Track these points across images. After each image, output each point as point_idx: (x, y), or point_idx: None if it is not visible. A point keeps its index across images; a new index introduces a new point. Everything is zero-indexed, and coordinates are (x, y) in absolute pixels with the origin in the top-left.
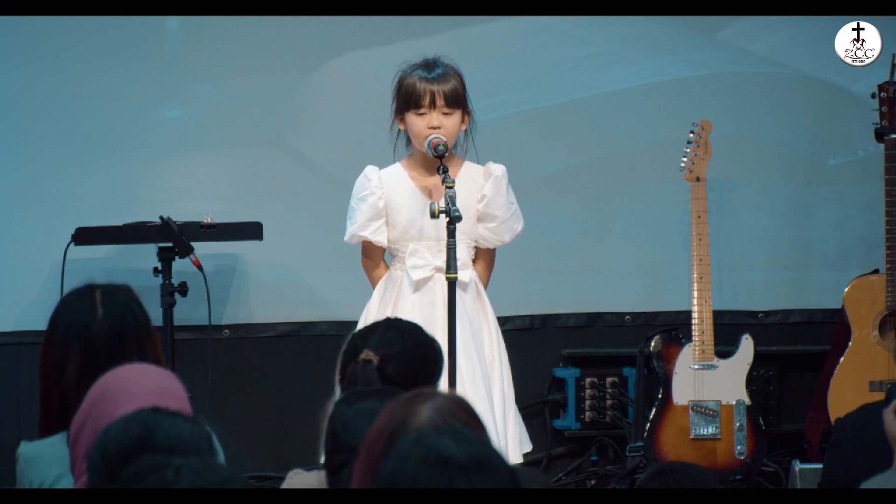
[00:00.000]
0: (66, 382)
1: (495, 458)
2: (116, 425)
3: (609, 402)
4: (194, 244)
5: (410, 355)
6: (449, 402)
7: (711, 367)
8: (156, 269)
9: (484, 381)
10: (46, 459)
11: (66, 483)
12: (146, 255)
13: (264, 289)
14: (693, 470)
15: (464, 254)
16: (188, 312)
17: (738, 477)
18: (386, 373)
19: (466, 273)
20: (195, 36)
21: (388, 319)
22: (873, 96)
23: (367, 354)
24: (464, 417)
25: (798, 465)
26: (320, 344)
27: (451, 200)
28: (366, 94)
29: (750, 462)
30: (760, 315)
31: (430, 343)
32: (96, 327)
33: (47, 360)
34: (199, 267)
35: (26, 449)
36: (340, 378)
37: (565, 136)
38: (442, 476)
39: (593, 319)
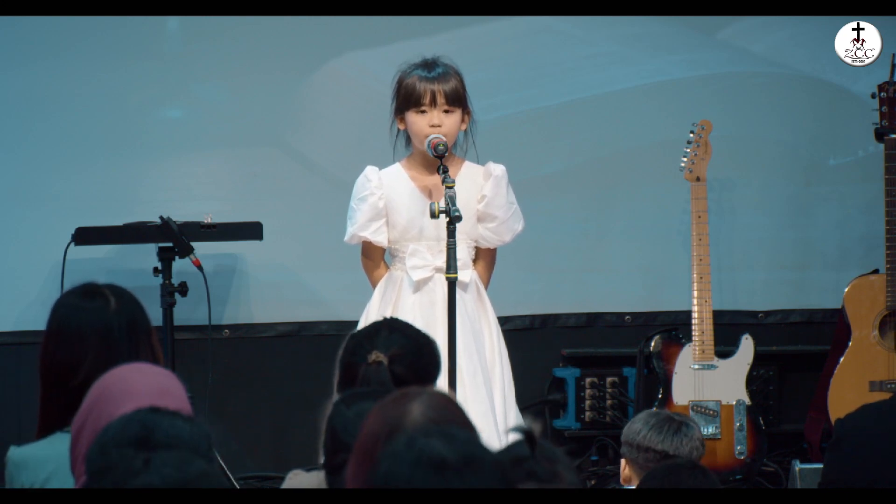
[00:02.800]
0: (84, 377)
1: (487, 456)
2: (115, 425)
3: (609, 402)
4: (194, 244)
5: (415, 355)
6: (438, 398)
7: (711, 367)
8: (156, 269)
9: (485, 382)
10: (35, 461)
11: (56, 484)
12: (146, 255)
13: (264, 289)
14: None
15: (464, 254)
16: (188, 312)
17: (738, 477)
18: (395, 373)
19: (467, 273)
20: (195, 36)
21: (387, 320)
22: (873, 96)
23: (377, 356)
24: (454, 411)
25: (798, 465)
26: (320, 344)
27: (452, 200)
28: (366, 94)
29: (750, 462)
30: (760, 315)
31: (430, 342)
32: (115, 319)
33: (56, 360)
34: (199, 267)
35: (15, 454)
36: (346, 380)
37: (565, 136)
38: (436, 478)
39: (593, 319)
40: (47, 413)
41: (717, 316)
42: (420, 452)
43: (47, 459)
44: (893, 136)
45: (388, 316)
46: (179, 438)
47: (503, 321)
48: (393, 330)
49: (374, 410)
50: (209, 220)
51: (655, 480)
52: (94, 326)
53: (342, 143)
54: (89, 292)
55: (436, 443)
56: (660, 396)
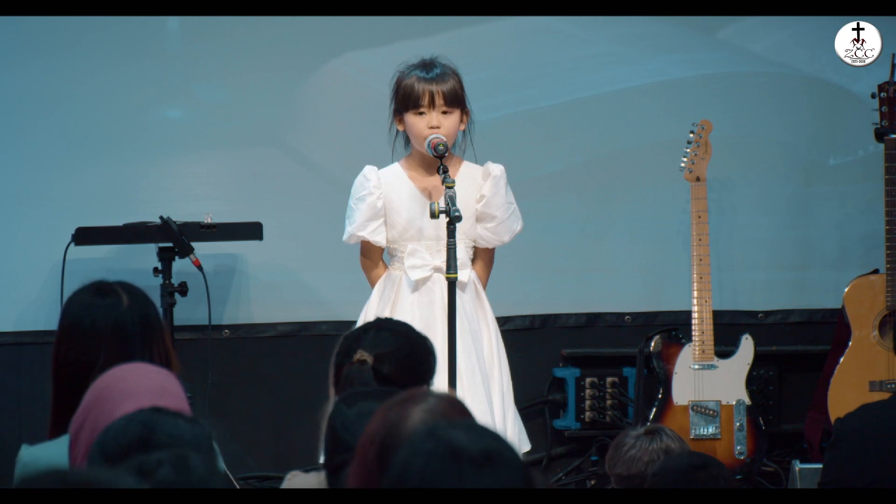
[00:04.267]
0: (98, 375)
1: (507, 453)
2: (117, 425)
3: (609, 402)
4: (194, 244)
5: (404, 354)
6: (441, 403)
7: (711, 367)
8: (156, 269)
9: (483, 382)
10: (46, 465)
11: None
12: (146, 255)
13: (264, 289)
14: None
15: (462, 254)
16: (188, 312)
17: (738, 477)
18: (381, 372)
19: (465, 273)
20: (195, 36)
21: (378, 320)
22: (873, 96)
23: (361, 355)
24: (457, 418)
25: (798, 465)
26: (320, 344)
27: (451, 200)
28: (366, 94)
29: (750, 462)
30: (760, 315)
31: (423, 341)
32: (128, 316)
33: (69, 358)
34: (199, 267)
35: (26, 454)
36: (335, 380)
37: (565, 136)
38: (452, 468)
39: (593, 319)
40: (60, 412)
41: (717, 316)
42: (439, 441)
43: (57, 463)
44: (893, 136)
45: (385, 316)
46: (181, 439)
47: (503, 321)
48: (381, 329)
49: (378, 412)
50: (209, 220)
51: (668, 482)
52: (108, 324)
53: (342, 143)
54: (101, 290)
55: (457, 433)
56: (660, 396)
